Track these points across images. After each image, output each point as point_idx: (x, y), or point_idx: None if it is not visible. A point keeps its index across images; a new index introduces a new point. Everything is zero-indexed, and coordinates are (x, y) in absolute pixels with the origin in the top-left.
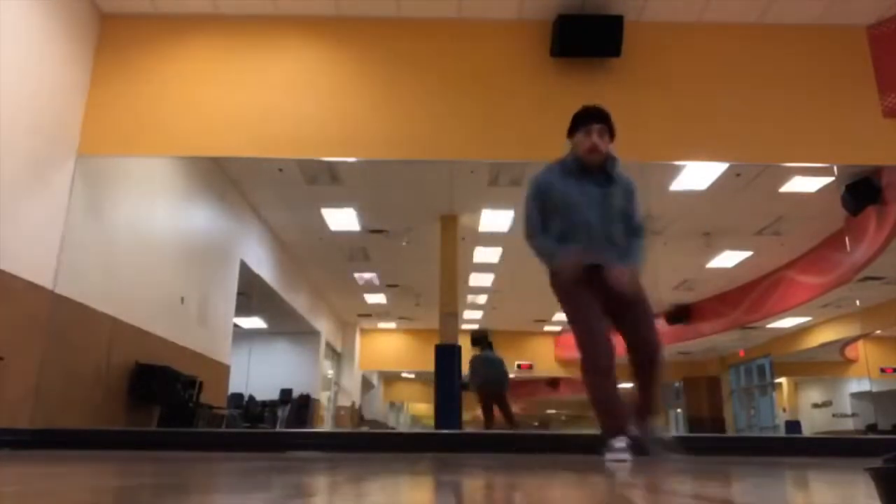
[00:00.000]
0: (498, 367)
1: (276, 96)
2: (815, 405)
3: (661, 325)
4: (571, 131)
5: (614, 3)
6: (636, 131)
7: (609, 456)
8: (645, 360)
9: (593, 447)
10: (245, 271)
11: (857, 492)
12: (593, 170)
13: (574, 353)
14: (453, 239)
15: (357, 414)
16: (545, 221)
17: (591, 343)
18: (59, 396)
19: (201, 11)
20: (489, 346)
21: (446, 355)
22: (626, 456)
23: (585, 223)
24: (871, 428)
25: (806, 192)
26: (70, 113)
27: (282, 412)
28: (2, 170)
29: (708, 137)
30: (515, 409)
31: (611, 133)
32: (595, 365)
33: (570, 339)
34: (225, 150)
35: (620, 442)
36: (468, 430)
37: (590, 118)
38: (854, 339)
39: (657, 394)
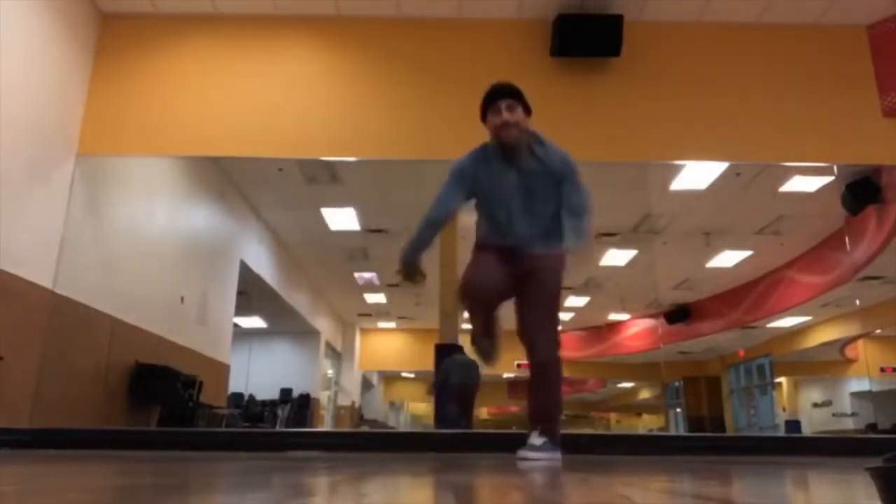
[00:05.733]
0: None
1: (276, 96)
2: (815, 405)
3: (661, 324)
4: (483, 117)
5: (614, 2)
6: (636, 131)
7: (521, 453)
8: (532, 364)
9: (590, 447)
10: (245, 271)
11: (857, 492)
12: (516, 152)
13: (574, 352)
14: (453, 239)
15: (357, 414)
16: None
17: (474, 272)
18: (59, 396)
19: (201, 11)
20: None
21: (446, 355)
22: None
23: (507, 212)
24: (871, 427)
25: (806, 191)
26: (70, 113)
27: (282, 412)
28: (1, 170)
29: (708, 137)
30: (515, 408)
31: (525, 107)
32: (472, 286)
33: (570, 338)
34: (225, 150)
35: (538, 438)
36: (468, 429)
37: (495, 96)
38: (854, 339)
39: (547, 406)
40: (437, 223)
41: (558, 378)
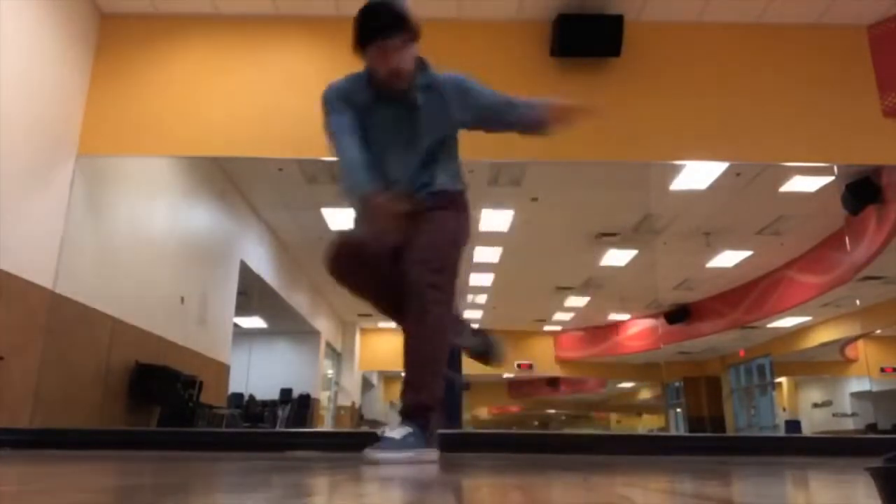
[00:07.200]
0: None
1: (276, 96)
2: (815, 405)
3: (661, 324)
4: (359, 45)
5: (614, 2)
6: (636, 131)
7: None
8: (409, 298)
9: (590, 447)
10: (245, 271)
11: (857, 492)
12: (402, 92)
13: (574, 352)
14: None
15: (357, 414)
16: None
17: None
18: (59, 396)
19: (201, 11)
20: None
21: None
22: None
23: (382, 154)
24: (871, 427)
25: (806, 191)
26: (70, 113)
27: (282, 412)
28: (2, 170)
29: (708, 137)
30: (515, 408)
31: (413, 34)
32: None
33: (570, 338)
34: (225, 150)
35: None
36: (468, 429)
37: (377, 31)
38: (854, 339)
39: (423, 365)
40: (360, 163)
41: (441, 332)
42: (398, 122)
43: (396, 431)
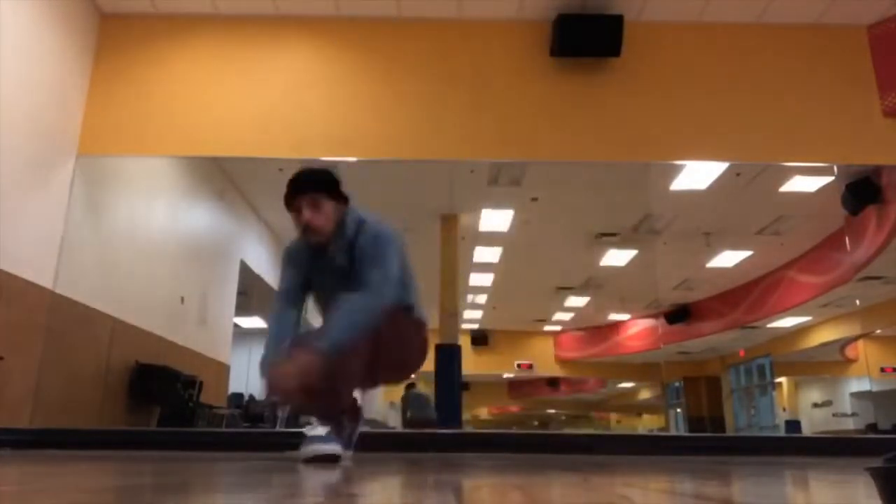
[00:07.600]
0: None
1: (277, 96)
2: (815, 405)
3: (661, 324)
4: (288, 204)
5: (614, 2)
6: (636, 131)
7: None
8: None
9: (590, 447)
10: (245, 271)
11: (857, 492)
12: (327, 246)
13: (574, 352)
14: (453, 239)
15: None
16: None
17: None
18: (59, 396)
19: (201, 11)
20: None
21: (446, 355)
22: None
23: (324, 302)
24: (871, 427)
25: (806, 191)
26: (70, 113)
27: (282, 412)
28: (2, 170)
29: (708, 137)
30: (515, 408)
31: (333, 194)
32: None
33: (570, 338)
34: (225, 150)
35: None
36: (468, 429)
37: (295, 191)
38: (854, 339)
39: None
40: (274, 339)
41: (346, 357)
42: (332, 272)
43: (319, 430)
